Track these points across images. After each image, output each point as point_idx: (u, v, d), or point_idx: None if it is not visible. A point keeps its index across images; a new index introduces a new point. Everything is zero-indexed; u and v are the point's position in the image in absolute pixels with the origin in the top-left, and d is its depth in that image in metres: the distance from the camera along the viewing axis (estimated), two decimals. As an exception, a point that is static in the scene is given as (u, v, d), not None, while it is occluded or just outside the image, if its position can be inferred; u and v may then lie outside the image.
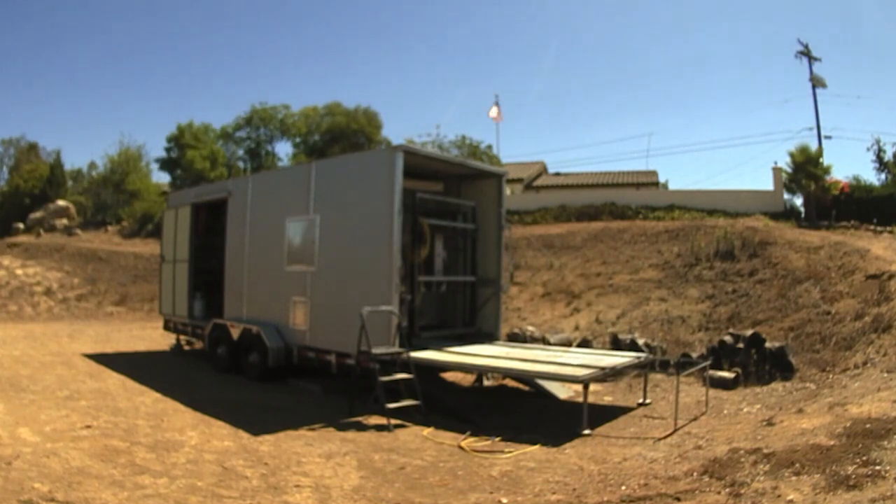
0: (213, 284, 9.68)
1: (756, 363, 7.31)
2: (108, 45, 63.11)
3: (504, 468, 4.57)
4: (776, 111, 65.00)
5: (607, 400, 7.13)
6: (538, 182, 25.95)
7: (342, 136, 26.58)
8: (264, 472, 4.37)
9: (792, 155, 17.12)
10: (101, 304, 17.70)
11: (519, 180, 23.83)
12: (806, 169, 16.72)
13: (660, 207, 17.61)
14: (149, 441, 5.03)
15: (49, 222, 24.51)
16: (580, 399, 5.84)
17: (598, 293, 11.75)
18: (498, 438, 5.38)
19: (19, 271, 18.85)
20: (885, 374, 5.94)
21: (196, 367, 9.16)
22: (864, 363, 6.67)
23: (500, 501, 3.89)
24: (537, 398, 7.19)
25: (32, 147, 34.40)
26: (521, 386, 7.69)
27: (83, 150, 67.82)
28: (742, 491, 3.44)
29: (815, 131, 22.16)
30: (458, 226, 8.57)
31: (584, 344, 9.13)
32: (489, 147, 24.89)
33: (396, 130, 65.60)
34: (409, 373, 6.26)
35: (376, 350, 6.25)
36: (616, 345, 8.61)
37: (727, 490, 3.51)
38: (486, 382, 8.01)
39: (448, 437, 5.46)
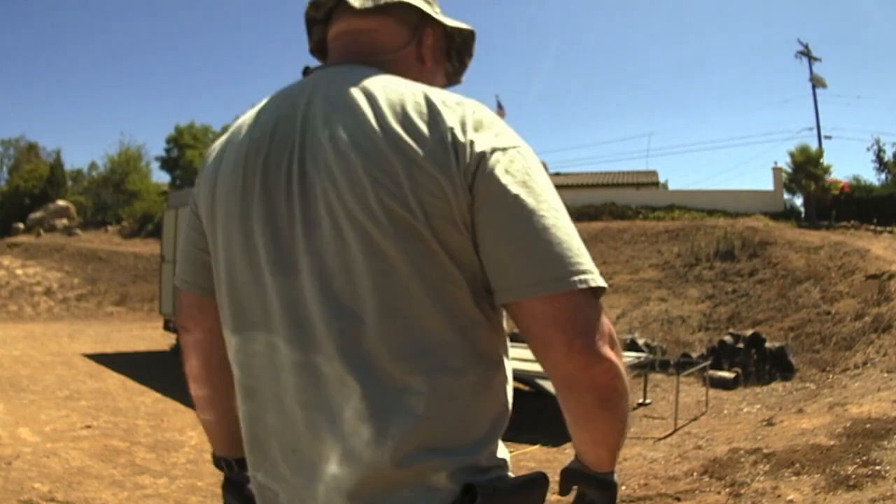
0: (213, 284, 9.68)
1: (756, 363, 7.31)
2: (108, 45, 63.22)
3: (504, 468, 4.56)
4: (776, 111, 65.15)
5: (607, 400, 7.13)
6: (538, 182, 25.95)
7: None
8: (264, 472, 4.37)
9: (792, 155, 17.13)
10: (101, 304, 17.70)
11: (519, 180, 23.81)
12: (806, 169, 16.73)
13: (660, 207, 17.61)
14: (149, 441, 5.03)
15: (49, 222, 24.52)
16: (580, 399, 5.83)
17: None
18: (498, 438, 5.38)
19: (19, 271, 18.86)
20: (885, 374, 5.94)
21: (196, 367, 9.16)
22: (864, 363, 6.67)
23: (500, 501, 3.89)
24: (537, 398, 7.19)
25: (32, 147, 34.41)
26: (521, 386, 7.69)
27: (83, 150, 67.98)
28: (742, 491, 3.44)
29: (815, 131, 22.22)
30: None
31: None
32: (489, 147, 24.92)
33: (396, 130, 65.65)
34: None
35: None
36: (616, 345, 8.61)
37: (727, 490, 3.51)
38: (486, 382, 8.01)
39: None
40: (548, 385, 7.18)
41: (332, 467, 0.76)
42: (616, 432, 0.89)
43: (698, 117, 65.49)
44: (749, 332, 7.85)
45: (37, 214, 24.91)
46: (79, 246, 21.70)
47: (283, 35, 69.58)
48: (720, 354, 7.69)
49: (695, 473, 3.95)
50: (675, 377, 6.31)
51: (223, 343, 0.91)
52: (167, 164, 27.67)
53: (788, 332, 8.41)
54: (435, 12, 0.94)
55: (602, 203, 18.19)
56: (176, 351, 10.84)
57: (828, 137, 22.08)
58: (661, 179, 25.89)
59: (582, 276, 0.77)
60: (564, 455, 4.91)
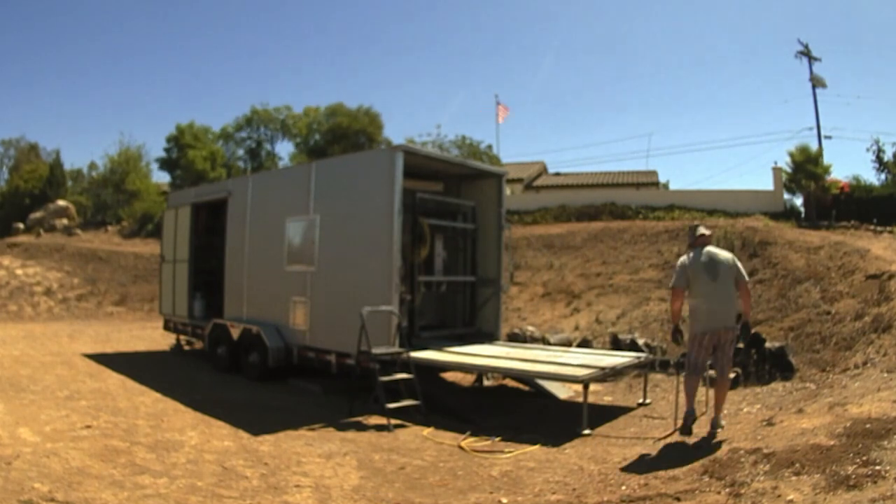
0: (213, 284, 9.68)
1: (756, 363, 7.31)
2: (108, 45, 63.17)
3: (504, 468, 4.57)
4: (776, 111, 65.10)
5: (607, 400, 7.13)
6: (538, 182, 25.96)
7: (343, 137, 26.59)
8: (264, 472, 4.37)
9: (792, 155, 17.12)
10: (101, 304, 17.70)
11: (519, 180, 23.84)
12: (806, 169, 16.73)
13: (660, 207, 17.61)
14: (149, 441, 5.03)
15: (49, 222, 24.52)
16: (580, 399, 5.84)
17: (598, 293, 11.75)
18: (498, 438, 5.38)
19: (19, 271, 18.86)
20: (885, 374, 5.94)
21: (196, 367, 9.17)
22: (864, 363, 6.66)
23: (500, 501, 3.89)
24: (537, 398, 7.19)
25: (32, 147, 34.43)
26: (521, 386, 7.69)
27: (83, 150, 67.92)
28: (742, 491, 3.44)
29: (815, 131, 22.20)
30: (458, 226, 8.57)
31: (584, 344, 9.13)
32: (489, 147, 24.92)
33: (397, 130, 65.75)
34: (409, 373, 6.26)
35: (376, 350, 6.25)
36: (616, 345, 8.61)
37: (727, 490, 3.51)
38: (486, 382, 8.01)
39: (448, 437, 5.46)
40: (548, 385, 7.19)
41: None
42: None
43: (698, 117, 65.45)
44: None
45: (37, 214, 24.90)
46: (79, 246, 21.70)
47: (283, 35, 69.57)
48: (720, 354, 7.68)
49: (695, 473, 3.95)
50: (675, 377, 6.31)
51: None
52: (167, 164, 27.66)
53: (788, 332, 8.40)
54: None
55: (602, 203, 18.19)
56: (176, 351, 10.87)
57: (828, 137, 22.09)
58: (661, 179, 25.91)
59: None
60: (564, 455, 4.91)
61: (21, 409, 5.96)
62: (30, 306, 17.07)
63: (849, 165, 76.30)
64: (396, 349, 6.53)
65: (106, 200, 27.18)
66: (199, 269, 10.10)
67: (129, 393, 7.07)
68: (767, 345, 7.50)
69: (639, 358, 7.03)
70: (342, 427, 5.80)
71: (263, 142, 30.08)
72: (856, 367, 6.67)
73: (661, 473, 4.08)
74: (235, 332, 8.56)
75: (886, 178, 19.78)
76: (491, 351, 7.43)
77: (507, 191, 8.65)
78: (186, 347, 10.99)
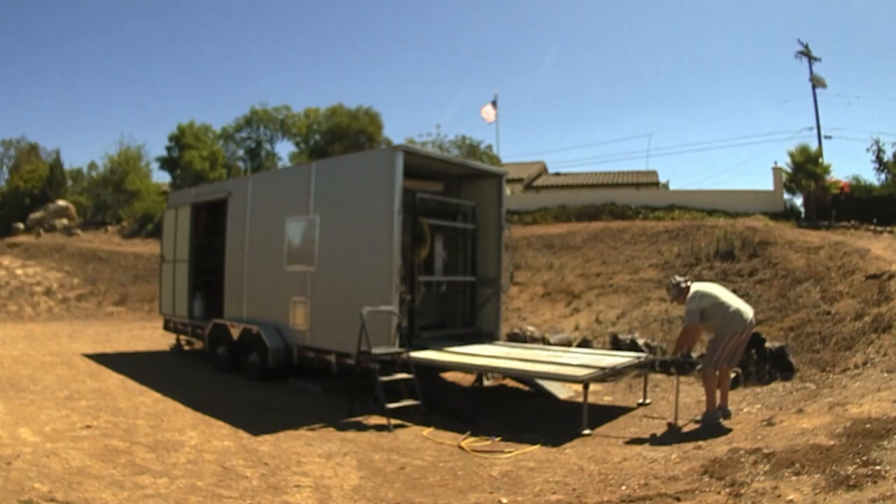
0: (213, 284, 9.68)
1: (756, 363, 7.30)
2: (108, 45, 63.17)
3: (504, 468, 4.57)
4: (776, 111, 65.09)
5: (607, 400, 7.13)
6: (538, 182, 25.96)
7: (343, 136, 26.60)
8: (264, 472, 4.37)
9: (792, 155, 17.12)
10: (101, 304, 17.70)
11: (519, 180, 23.84)
12: (806, 169, 16.72)
13: (660, 207, 17.61)
14: (149, 441, 5.03)
15: (49, 222, 24.52)
16: (580, 399, 5.84)
17: (598, 293, 11.75)
18: (498, 438, 5.38)
19: (19, 271, 18.86)
20: (885, 374, 5.94)
21: (196, 367, 9.17)
22: (864, 363, 6.66)
23: (500, 501, 3.89)
24: (537, 398, 7.19)
25: (32, 147, 34.44)
26: (521, 386, 7.69)
27: (83, 150, 67.93)
28: (742, 491, 3.44)
29: (815, 131, 22.21)
30: (458, 226, 8.57)
31: (584, 344, 9.13)
32: (489, 147, 24.92)
33: (397, 130, 65.76)
34: (409, 373, 6.26)
35: (376, 350, 6.25)
36: (616, 345, 8.61)
37: (727, 490, 3.51)
38: (486, 382, 8.01)
39: (448, 437, 5.46)
40: (548, 385, 7.19)
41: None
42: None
43: (698, 117, 65.42)
44: (749, 332, 7.84)
45: (37, 214, 24.90)
46: (79, 246, 21.70)
47: (283, 35, 69.58)
48: (720, 354, 7.68)
49: (695, 473, 3.94)
50: (675, 377, 6.31)
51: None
52: (167, 163, 27.67)
53: (788, 332, 8.40)
54: None
55: (602, 203, 18.19)
56: (176, 351, 10.86)
57: (828, 137, 22.09)
58: (662, 179, 25.91)
59: None
60: (564, 455, 4.91)
61: (21, 409, 5.96)
62: (30, 306, 17.07)
63: (849, 165, 76.35)
64: (396, 349, 6.53)
65: (106, 200, 27.18)
66: (199, 269, 10.10)
67: (129, 393, 7.07)
68: (767, 345, 7.49)
69: (639, 358, 7.03)
70: (342, 427, 5.80)
71: (263, 142, 30.11)
72: (856, 367, 6.67)
73: (661, 473, 4.08)
74: (235, 332, 8.56)
75: (886, 178, 19.77)
76: (491, 351, 7.43)
77: (507, 191, 8.65)
78: (186, 347, 10.99)
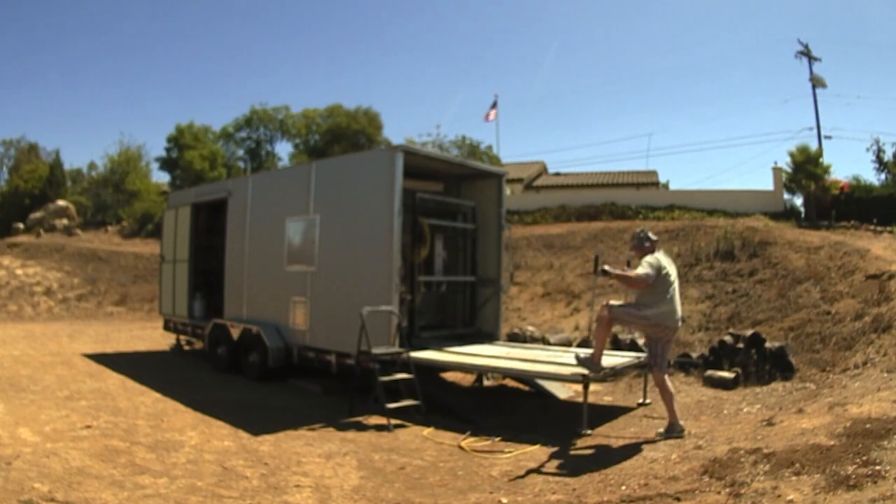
0: (213, 284, 9.68)
1: (756, 363, 7.30)
2: (108, 45, 63.15)
3: (504, 468, 4.57)
4: (776, 111, 65.11)
5: (607, 400, 7.13)
6: (538, 182, 25.96)
7: (343, 137, 26.60)
8: (264, 472, 4.38)
9: (792, 155, 17.12)
10: (101, 304, 17.71)
11: (519, 180, 23.84)
12: (806, 169, 16.73)
13: (660, 207, 17.62)
14: (149, 441, 5.03)
15: (49, 222, 24.52)
16: (580, 399, 5.84)
17: (599, 293, 11.74)
18: (498, 438, 5.38)
19: (19, 271, 18.86)
20: (885, 374, 5.94)
21: (196, 367, 9.17)
22: (864, 363, 6.66)
23: (500, 501, 3.89)
24: (537, 398, 7.19)
25: (32, 147, 34.41)
26: (521, 386, 7.69)
27: (83, 150, 67.88)
28: (742, 491, 3.44)
29: (815, 131, 22.23)
30: (458, 226, 8.57)
31: (584, 344, 9.12)
32: (489, 147, 24.93)
33: (397, 130, 65.82)
34: (409, 373, 6.26)
35: (376, 350, 6.25)
36: (616, 345, 8.60)
37: (727, 490, 3.51)
38: (486, 382, 8.01)
39: (448, 437, 5.46)
40: (548, 385, 7.19)
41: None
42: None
43: (698, 117, 65.43)
44: (749, 332, 7.84)
45: (37, 214, 24.90)
46: (79, 246, 21.70)
47: (283, 35, 69.59)
48: (720, 354, 7.69)
49: (695, 473, 3.94)
50: (674, 377, 6.31)
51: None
52: (167, 164, 27.66)
53: (788, 332, 8.40)
54: None
55: (602, 203, 18.19)
56: (176, 351, 10.86)
57: (828, 137, 22.10)
58: (661, 179, 25.92)
59: None
60: (564, 455, 4.91)
61: (21, 409, 5.96)
62: (30, 306, 17.07)
63: (849, 165, 76.34)
64: (396, 349, 6.53)
65: (106, 200, 27.19)
66: (199, 269, 10.10)
67: (129, 393, 7.07)
68: (767, 345, 7.49)
69: (639, 358, 7.02)
70: (342, 427, 5.80)
71: (263, 142, 30.09)
72: (856, 367, 6.67)
73: (661, 473, 4.08)
74: (235, 332, 8.56)
75: (886, 178, 19.78)
76: (491, 351, 7.43)
77: (507, 191, 8.65)
78: (186, 347, 10.99)
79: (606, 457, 4.77)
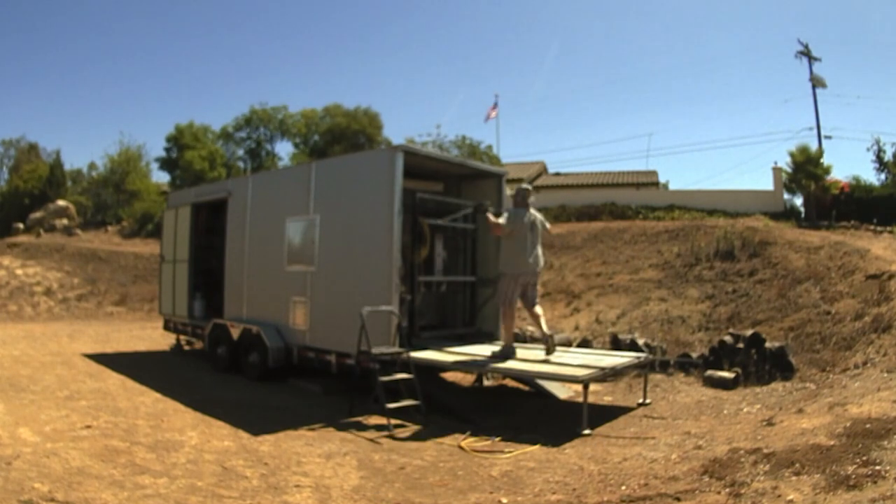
0: (213, 284, 9.68)
1: (756, 363, 7.31)
2: (108, 45, 63.15)
3: (504, 468, 4.57)
4: (776, 111, 65.15)
5: (607, 400, 7.13)
6: (538, 182, 25.94)
7: (343, 137, 26.59)
8: (264, 472, 4.38)
9: (792, 155, 17.13)
10: (101, 304, 17.70)
11: (519, 180, 23.79)
12: (806, 169, 16.73)
13: (660, 207, 17.61)
14: (149, 441, 5.03)
15: (49, 222, 24.52)
16: (580, 399, 5.84)
17: (598, 293, 11.75)
18: (498, 438, 5.38)
19: (19, 271, 18.86)
20: (885, 374, 5.94)
21: (196, 367, 9.17)
22: (864, 363, 6.66)
23: (500, 501, 3.89)
24: (537, 398, 7.19)
25: (32, 147, 34.42)
26: (521, 386, 7.69)
27: (83, 150, 67.88)
28: (742, 491, 3.44)
29: (815, 131, 22.25)
30: (458, 226, 8.56)
31: (584, 344, 9.13)
32: (489, 147, 24.93)
33: (397, 130, 65.82)
34: (409, 373, 6.26)
35: (376, 350, 6.25)
36: (616, 345, 8.61)
37: (727, 490, 3.51)
38: (486, 382, 8.01)
39: (448, 437, 5.46)
40: (548, 385, 7.19)
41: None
42: None
43: (698, 117, 65.46)
44: (749, 332, 7.85)
45: (37, 214, 24.90)
46: (79, 246, 21.70)
47: (283, 35, 69.60)
48: (720, 354, 7.69)
49: (695, 473, 3.94)
50: (674, 377, 6.31)
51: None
52: (167, 164, 27.66)
53: (788, 332, 8.40)
54: None
55: (602, 203, 18.19)
56: (176, 351, 10.86)
57: (828, 137, 22.12)
58: (661, 179, 25.92)
59: None
60: (564, 455, 4.91)
61: (21, 409, 5.96)
62: (30, 306, 17.07)
63: (849, 165, 76.28)
64: (396, 349, 6.53)
65: (106, 200, 27.20)
66: (199, 269, 10.10)
67: (129, 393, 7.07)
68: (767, 345, 7.50)
69: (639, 358, 7.02)
70: (342, 427, 5.80)
71: (263, 142, 30.09)
72: (856, 367, 6.67)
73: (661, 473, 4.08)
74: (235, 332, 8.56)
75: (886, 178, 19.77)
76: (491, 351, 7.43)
77: (507, 191, 8.64)
78: (186, 347, 10.99)
79: (606, 457, 4.77)
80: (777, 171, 17.60)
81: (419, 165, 7.67)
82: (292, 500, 3.86)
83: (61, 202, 25.65)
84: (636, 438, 5.38)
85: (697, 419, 5.88)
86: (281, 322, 8.03)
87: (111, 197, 27.23)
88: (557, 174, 27.84)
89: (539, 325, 6.98)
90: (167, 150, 27.65)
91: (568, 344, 9.18)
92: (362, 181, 7.28)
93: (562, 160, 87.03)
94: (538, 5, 77.27)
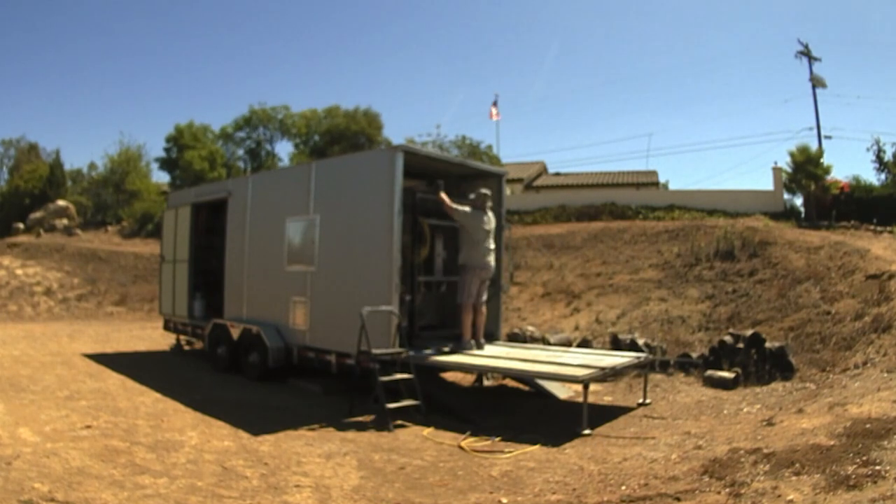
0: (213, 284, 9.68)
1: (756, 363, 7.31)
2: (108, 45, 63.15)
3: (504, 468, 4.57)
4: (776, 111, 65.12)
5: (607, 400, 7.13)
6: (538, 182, 25.96)
7: (342, 137, 26.59)
8: (264, 472, 4.38)
9: (792, 155, 17.12)
10: (101, 304, 17.70)
11: (519, 180, 23.84)
12: (806, 169, 16.73)
13: (660, 207, 17.61)
14: (149, 441, 5.03)
15: (49, 222, 24.51)
16: (580, 399, 5.84)
17: (598, 293, 11.75)
18: (498, 438, 5.38)
19: (19, 271, 18.86)
20: (885, 374, 5.94)
21: (196, 367, 9.17)
22: (864, 363, 6.67)
23: (500, 501, 3.89)
24: (537, 398, 7.19)
25: (32, 147, 34.39)
26: (521, 386, 7.69)
27: (83, 150, 67.86)
28: (742, 491, 3.44)
29: (815, 131, 22.23)
30: (458, 226, 8.55)
31: (584, 344, 9.13)
32: (489, 147, 24.94)
33: (397, 130, 65.81)
34: (409, 373, 6.26)
35: (376, 350, 6.25)
36: (616, 345, 8.61)
37: (727, 490, 3.51)
38: (486, 382, 8.01)
39: (448, 437, 5.46)
40: (548, 385, 7.19)
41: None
42: None
43: (698, 117, 65.44)
44: (749, 332, 7.85)
45: (37, 214, 24.89)
46: (79, 246, 21.69)
47: (283, 35, 69.59)
48: (720, 354, 7.69)
49: (695, 473, 3.95)
50: (674, 377, 6.31)
51: None
52: (167, 164, 27.65)
53: (788, 332, 8.40)
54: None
55: (602, 203, 18.18)
56: (176, 351, 10.86)
57: (828, 137, 22.10)
58: (661, 179, 25.92)
59: None
60: (564, 455, 4.91)
61: (21, 409, 5.96)
62: (30, 306, 17.07)
63: (849, 165, 76.28)
64: (396, 349, 6.53)
65: (106, 200, 27.18)
66: (199, 269, 10.10)
67: (129, 393, 7.07)
68: (767, 345, 7.50)
69: (639, 358, 7.03)
70: (342, 427, 5.80)
71: (263, 142, 30.08)
72: (856, 367, 6.67)
73: (661, 473, 4.08)
74: (235, 332, 8.56)
75: (886, 178, 19.74)
76: (491, 351, 7.43)
77: (507, 191, 8.64)
78: (186, 347, 10.99)
79: (606, 457, 4.77)
80: (777, 171, 17.60)
81: (419, 165, 7.67)
82: (292, 500, 3.86)
83: (61, 202, 25.64)
84: (636, 438, 5.38)
85: (697, 419, 5.88)
86: (281, 322, 8.03)
87: (111, 197, 27.21)
88: (557, 174, 27.84)
89: (480, 326, 7.49)
90: (167, 150, 27.64)
91: (568, 344, 9.19)
92: (362, 181, 7.28)
93: (562, 160, 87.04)
94: (538, 5, 77.32)
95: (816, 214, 15.98)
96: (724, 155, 74.54)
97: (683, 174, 70.24)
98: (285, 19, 70.35)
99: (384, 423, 5.79)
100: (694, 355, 8.04)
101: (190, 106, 63.19)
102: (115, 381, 7.79)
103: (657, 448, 4.91)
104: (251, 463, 4.56)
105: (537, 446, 5.12)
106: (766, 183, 21.33)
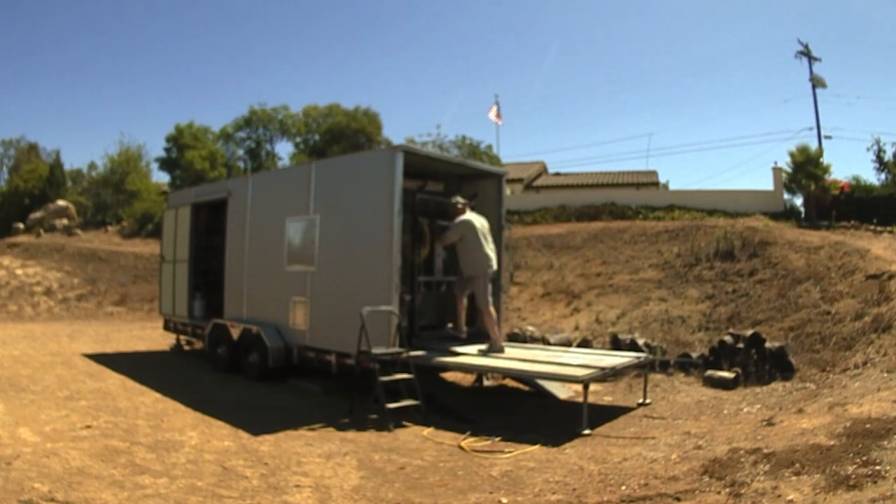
0: (213, 284, 9.68)
1: (756, 363, 7.31)
2: (108, 45, 63.16)
3: (504, 468, 4.57)
4: (776, 111, 65.12)
5: (607, 400, 7.13)
6: (538, 182, 25.96)
7: (343, 137, 26.59)
8: (264, 472, 4.38)
9: (792, 155, 17.12)
10: (101, 304, 17.70)
11: (519, 180, 23.84)
12: (806, 169, 16.73)
13: (660, 207, 17.60)
14: (149, 441, 5.03)
15: (49, 222, 24.51)
16: (580, 399, 5.84)
17: (598, 293, 11.75)
18: (498, 438, 5.38)
19: (19, 271, 18.86)
20: (885, 374, 5.94)
21: (196, 367, 9.17)
22: (864, 363, 6.67)
23: (500, 501, 3.89)
24: (537, 398, 7.19)
25: (32, 147, 34.39)
26: (521, 386, 7.69)
27: (83, 150, 67.88)
28: (742, 491, 3.44)
29: (815, 131, 22.24)
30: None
31: (584, 344, 9.13)
32: (489, 147, 24.94)
33: (397, 130, 65.85)
34: (409, 373, 6.26)
35: (376, 350, 6.25)
36: (616, 345, 8.61)
37: (727, 490, 3.51)
38: (486, 382, 8.01)
39: (448, 437, 5.46)
40: (548, 385, 7.19)
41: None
42: None
43: (698, 117, 65.44)
44: (749, 332, 7.85)
45: (37, 214, 24.89)
46: (79, 246, 21.69)
47: (283, 35, 69.60)
48: (720, 354, 7.69)
49: (695, 473, 3.94)
50: (674, 377, 6.31)
51: None
52: (167, 164, 27.65)
53: (788, 332, 8.40)
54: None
55: (602, 203, 18.18)
56: (176, 351, 10.86)
57: (828, 137, 22.11)
58: (661, 179, 25.92)
59: None
60: (564, 455, 4.91)
61: (21, 409, 5.96)
62: (30, 306, 17.07)
63: (849, 165, 76.30)
64: (396, 349, 6.53)
65: (106, 200, 27.16)
66: (199, 269, 10.10)
67: (129, 393, 7.07)
68: (767, 345, 7.50)
69: (639, 358, 7.03)
70: (342, 427, 5.80)
71: (263, 142, 30.08)
72: (856, 367, 6.67)
73: (661, 473, 4.08)
74: (235, 332, 8.56)
75: (886, 178, 19.74)
76: (489, 351, 7.42)
77: (507, 191, 8.64)
78: (186, 347, 10.99)
79: (606, 457, 4.77)
80: (777, 171, 17.60)
81: (419, 165, 7.67)
82: (292, 500, 3.86)
83: (61, 202, 25.64)
84: (636, 438, 5.38)
85: (697, 419, 5.88)
86: (281, 322, 8.03)
87: (111, 197, 27.20)
88: (557, 174, 27.84)
89: (482, 326, 7.61)
90: (167, 150, 27.63)
91: (568, 344, 9.19)
92: (362, 181, 7.28)
93: (562, 160, 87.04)
94: (538, 5, 77.33)
95: (816, 214, 15.98)
96: (724, 155, 74.57)
97: (683, 174, 70.28)
98: (285, 19, 70.40)
99: (384, 423, 5.79)
100: (694, 355, 8.05)
101: (190, 106, 63.23)
102: (115, 381, 7.79)
103: (657, 448, 4.91)
104: (251, 463, 4.56)
105: (537, 446, 5.12)
106: (766, 183, 21.34)
